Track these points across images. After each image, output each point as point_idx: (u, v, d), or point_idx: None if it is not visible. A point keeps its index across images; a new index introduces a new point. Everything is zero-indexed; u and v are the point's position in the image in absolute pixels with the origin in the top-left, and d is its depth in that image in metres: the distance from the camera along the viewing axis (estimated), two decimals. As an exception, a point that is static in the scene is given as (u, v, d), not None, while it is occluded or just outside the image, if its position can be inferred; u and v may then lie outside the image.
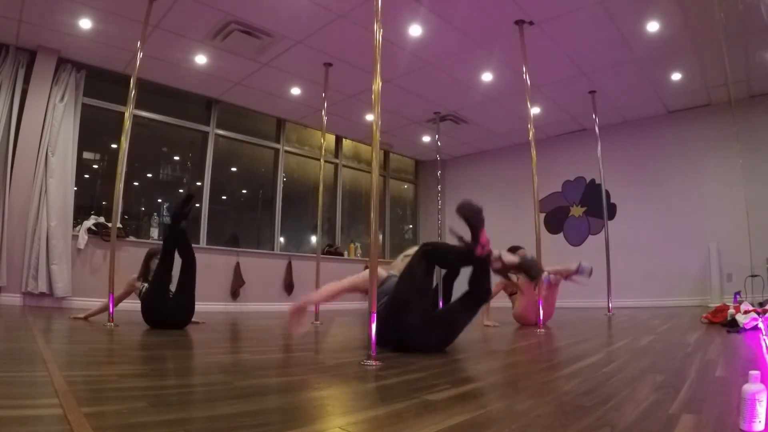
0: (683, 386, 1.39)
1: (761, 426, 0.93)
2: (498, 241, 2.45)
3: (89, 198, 5.50)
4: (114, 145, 5.55)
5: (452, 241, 2.25)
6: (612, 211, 6.59)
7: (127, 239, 5.16)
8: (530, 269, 2.38)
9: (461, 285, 2.39)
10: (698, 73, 5.25)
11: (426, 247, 2.25)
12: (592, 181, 6.98)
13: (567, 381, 1.54)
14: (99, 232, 4.94)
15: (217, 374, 1.70)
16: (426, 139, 7.67)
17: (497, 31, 4.46)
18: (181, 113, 6.01)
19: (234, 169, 6.82)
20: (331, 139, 7.65)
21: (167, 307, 3.07)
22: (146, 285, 3.26)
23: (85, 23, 4.34)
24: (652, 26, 4.32)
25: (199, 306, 3.29)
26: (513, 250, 4.35)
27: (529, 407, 1.21)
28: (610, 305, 5.14)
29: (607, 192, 6.05)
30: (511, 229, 7.43)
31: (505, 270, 2.31)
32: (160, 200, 6.11)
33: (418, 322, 2.15)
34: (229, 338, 2.83)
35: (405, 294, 2.16)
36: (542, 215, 7.32)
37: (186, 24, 4.40)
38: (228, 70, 5.36)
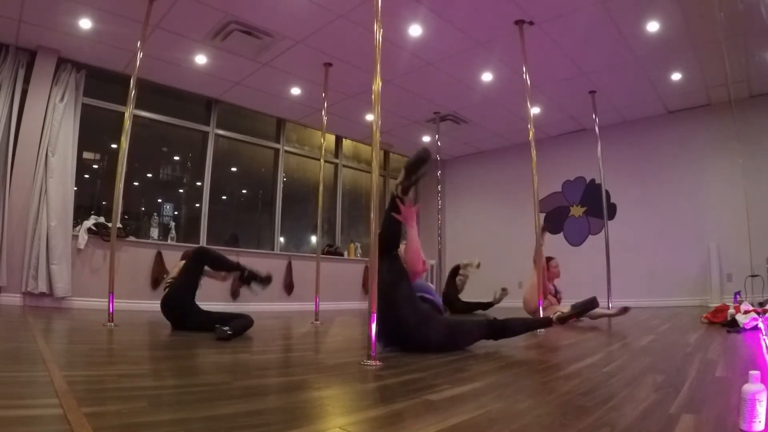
0: (683, 386, 1.39)
1: (761, 426, 0.93)
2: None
3: (89, 198, 5.50)
4: (114, 145, 5.55)
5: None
6: (612, 211, 6.59)
7: (127, 239, 5.15)
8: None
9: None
10: (698, 73, 5.25)
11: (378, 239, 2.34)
12: (592, 181, 6.98)
13: (567, 381, 1.55)
14: (99, 232, 4.94)
15: (217, 374, 1.70)
16: (426, 139, 7.67)
17: (497, 31, 4.46)
18: (181, 113, 6.01)
19: (234, 169, 6.82)
20: (331, 139, 7.65)
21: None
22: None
23: (85, 23, 4.34)
24: (652, 26, 4.32)
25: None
26: (548, 259, 4.45)
27: (529, 407, 1.21)
28: (610, 305, 5.14)
29: (607, 192, 6.05)
30: (511, 229, 7.45)
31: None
32: (160, 200, 6.11)
33: (414, 317, 2.17)
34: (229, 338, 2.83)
35: (382, 290, 2.22)
36: (542, 215, 7.32)
37: (186, 24, 4.40)
38: (228, 70, 5.36)
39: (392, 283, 2.18)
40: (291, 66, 5.23)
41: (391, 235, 2.29)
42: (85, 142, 5.15)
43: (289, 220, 7.08)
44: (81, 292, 4.76)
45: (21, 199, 4.55)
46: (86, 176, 5.46)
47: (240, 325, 2.89)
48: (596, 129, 5.67)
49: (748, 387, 0.95)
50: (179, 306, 3.08)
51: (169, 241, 5.56)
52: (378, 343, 2.07)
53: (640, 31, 4.42)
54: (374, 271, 2.03)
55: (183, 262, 3.27)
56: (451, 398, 1.30)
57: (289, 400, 1.29)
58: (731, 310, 3.43)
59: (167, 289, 3.12)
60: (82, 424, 0.92)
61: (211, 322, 3.04)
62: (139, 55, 3.77)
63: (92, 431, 0.89)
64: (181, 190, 6.33)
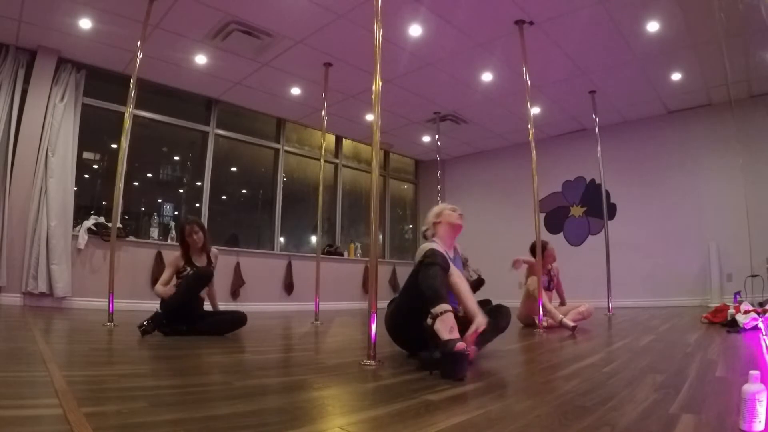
0: (683, 386, 1.39)
1: (761, 426, 0.93)
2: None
3: (89, 198, 5.50)
4: (114, 145, 5.54)
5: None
6: (612, 211, 6.59)
7: (127, 239, 5.15)
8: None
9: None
10: (698, 73, 5.25)
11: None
12: (592, 181, 6.97)
13: (567, 381, 1.55)
14: (99, 232, 4.94)
15: (217, 374, 1.70)
16: (426, 139, 7.67)
17: (497, 31, 4.46)
18: (181, 113, 6.01)
19: (234, 169, 6.82)
20: (331, 139, 7.65)
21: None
22: (188, 270, 3.09)
23: (85, 23, 4.34)
24: (652, 26, 4.32)
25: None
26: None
27: (529, 407, 1.21)
28: (610, 305, 5.14)
29: (607, 192, 6.04)
30: (511, 229, 7.44)
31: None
32: (160, 200, 6.11)
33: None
34: (229, 338, 2.83)
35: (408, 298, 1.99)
36: (542, 215, 7.32)
37: (186, 24, 4.40)
38: (228, 70, 5.36)
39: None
40: (291, 66, 5.22)
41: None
42: (85, 142, 5.14)
43: (289, 220, 7.08)
44: (81, 292, 4.76)
45: (21, 199, 4.55)
46: (86, 176, 5.46)
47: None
48: (596, 129, 5.67)
49: (748, 387, 0.95)
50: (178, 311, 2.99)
51: (169, 241, 5.56)
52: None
53: (640, 31, 4.42)
54: (374, 270, 2.04)
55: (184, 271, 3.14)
56: (451, 398, 1.30)
57: (289, 400, 1.29)
58: (731, 310, 3.43)
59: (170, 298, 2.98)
60: (82, 424, 0.92)
61: (208, 322, 3.02)
62: (139, 55, 3.78)
63: (92, 431, 0.89)
64: (180, 190, 6.33)
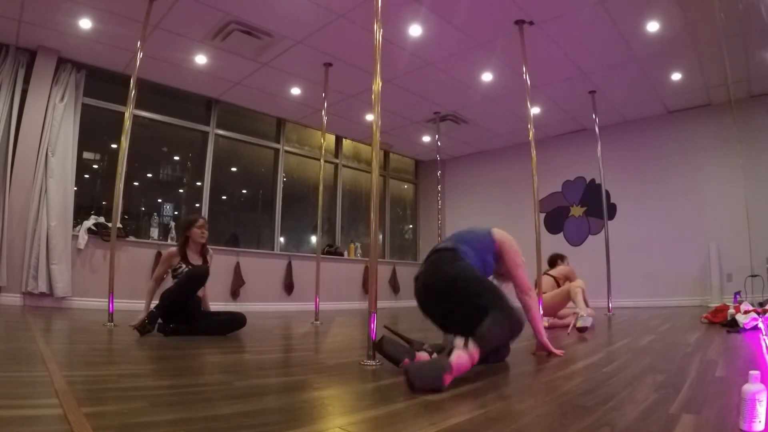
0: (683, 386, 1.40)
1: (761, 426, 0.93)
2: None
3: (89, 198, 5.50)
4: (114, 145, 5.55)
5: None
6: (612, 211, 6.59)
7: (127, 239, 5.15)
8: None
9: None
10: (698, 73, 5.25)
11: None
12: (592, 181, 6.97)
13: (567, 381, 1.55)
14: (99, 232, 4.94)
15: (217, 374, 1.70)
16: (426, 139, 7.67)
17: (497, 31, 4.46)
18: (181, 113, 6.01)
19: (234, 169, 6.82)
20: (331, 139, 7.65)
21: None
22: (183, 267, 3.06)
23: (85, 23, 4.34)
24: (652, 26, 4.32)
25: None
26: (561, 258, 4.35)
27: (529, 407, 1.21)
28: (610, 305, 5.14)
29: (607, 192, 6.05)
30: (510, 229, 7.43)
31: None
32: (160, 200, 6.11)
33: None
34: (229, 338, 2.84)
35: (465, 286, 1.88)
36: (542, 215, 7.32)
37: (186, 24, 4.40)
38: (228, 70, 5.36)
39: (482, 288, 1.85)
40: (291, 66, 5.22)
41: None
42: (85, 142, 5.15)
43: (289, 220, 7.08)
44: (81, 292, 4.76)
45: (21, 199, 4.55)
46: (86, 176, 5.46)
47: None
48: (596, 129, 5.67)
49: (748, 387, 0.95)
50: (176, 311, 2.94)
51: (169, 241, 5.56)
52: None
53: (640, 31, 4.42)
54: (374, 270, 2.03)
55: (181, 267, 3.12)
56: (451, 398, 1.31)
57: (289, 400, 1.29)
58: (731, 310, 3.43)
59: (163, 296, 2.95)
60: (82, 424, 0.92)
61: (208, 322, 3.02)
62: (139, 55, 3.78)
63: (92, 431, 0.89)
64: (181, 190, 6.33)
